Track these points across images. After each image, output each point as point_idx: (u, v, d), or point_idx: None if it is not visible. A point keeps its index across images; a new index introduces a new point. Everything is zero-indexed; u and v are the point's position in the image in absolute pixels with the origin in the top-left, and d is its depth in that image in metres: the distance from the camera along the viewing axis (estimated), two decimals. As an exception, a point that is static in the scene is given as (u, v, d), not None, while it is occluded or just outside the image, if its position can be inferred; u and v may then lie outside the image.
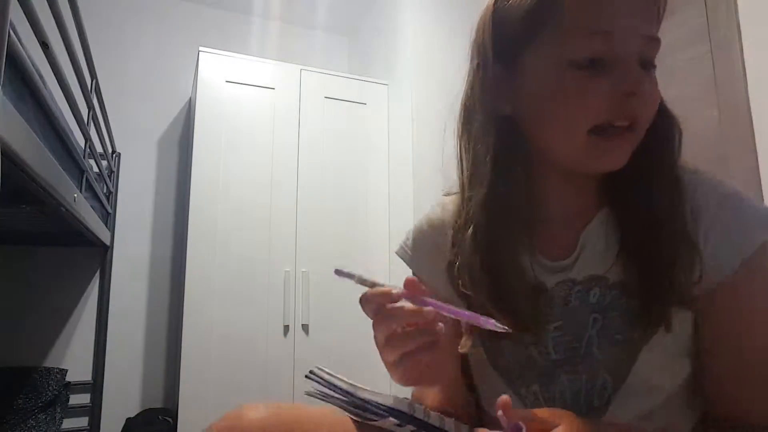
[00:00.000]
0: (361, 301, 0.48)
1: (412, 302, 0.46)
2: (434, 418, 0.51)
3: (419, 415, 0.50)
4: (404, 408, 0.50)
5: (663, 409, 0.53)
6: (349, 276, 0.49)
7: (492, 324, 0.43)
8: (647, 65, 0.50)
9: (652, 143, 0.53)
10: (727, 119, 1.44)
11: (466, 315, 0.45)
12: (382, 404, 0.49)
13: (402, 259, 0.70)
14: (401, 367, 0.47)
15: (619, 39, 0.48)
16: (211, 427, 0.53)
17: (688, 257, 0.51)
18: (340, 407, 0.52)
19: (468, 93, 0.59)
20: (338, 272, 0.49)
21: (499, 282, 0.55)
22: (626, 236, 0.54)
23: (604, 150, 0.50)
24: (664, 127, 0.53)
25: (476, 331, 0.60)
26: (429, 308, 0.45)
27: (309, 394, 0.53)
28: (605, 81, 0.48)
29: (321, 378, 0.52)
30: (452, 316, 0.45)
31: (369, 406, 0.48)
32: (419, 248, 0.68)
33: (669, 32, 1.64)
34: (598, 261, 0.55)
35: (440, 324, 0.46)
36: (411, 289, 0.46)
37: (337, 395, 0.51)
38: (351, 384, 0.52)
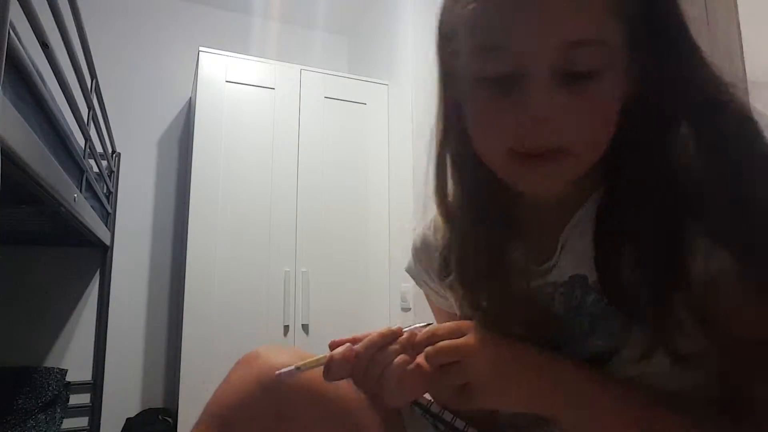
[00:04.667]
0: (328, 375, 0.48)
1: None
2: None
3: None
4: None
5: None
6: (290, 374, 0.49)
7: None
8: (575, 77, 0.40)
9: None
10: (727, 119, 1.44)
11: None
12: None
13: (410, 276, 0.73)
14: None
15: (518, 54, 0.40)
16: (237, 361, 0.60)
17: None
18: None
19: None
20: (279, 375, 0.49)
21: (491, 286, 0.52)
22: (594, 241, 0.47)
23: (523, 174, 0.44)
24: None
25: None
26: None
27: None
28: (511, 102, 0.41)
29: None
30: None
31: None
32: (419, 263, 0.70)
33: (669, 32, 1.64)
34: (578, 261, 0.49)
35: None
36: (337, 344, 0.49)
37: None
38: None
